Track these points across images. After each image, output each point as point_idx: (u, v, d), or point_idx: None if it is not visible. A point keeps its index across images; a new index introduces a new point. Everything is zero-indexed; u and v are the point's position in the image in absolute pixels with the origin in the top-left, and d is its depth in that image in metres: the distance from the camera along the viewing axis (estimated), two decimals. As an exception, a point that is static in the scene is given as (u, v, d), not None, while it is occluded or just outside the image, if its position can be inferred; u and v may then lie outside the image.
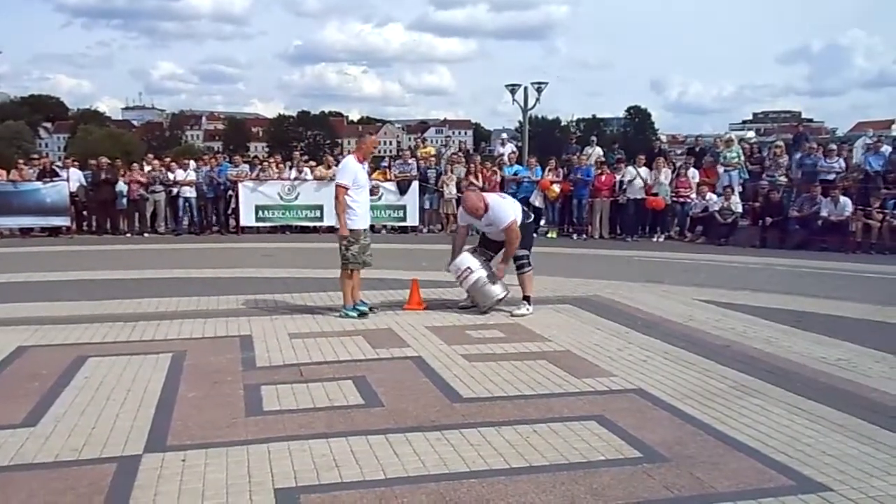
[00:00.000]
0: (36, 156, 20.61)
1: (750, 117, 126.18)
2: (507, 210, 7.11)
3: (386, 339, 6.12)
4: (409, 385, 4.86)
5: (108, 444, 3.79)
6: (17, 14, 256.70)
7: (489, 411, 4.34)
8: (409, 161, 17.01)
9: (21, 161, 16.96)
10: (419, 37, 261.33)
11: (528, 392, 4.72)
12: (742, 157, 15.45)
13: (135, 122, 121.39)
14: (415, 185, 15.98)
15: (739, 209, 14.40)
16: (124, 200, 15.76)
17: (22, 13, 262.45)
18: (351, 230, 6.84)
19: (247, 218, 15.71)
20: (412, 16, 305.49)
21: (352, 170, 6.94)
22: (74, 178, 15.73)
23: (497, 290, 7.13)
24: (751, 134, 70.60)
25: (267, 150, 77.97)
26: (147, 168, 16.30)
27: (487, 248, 7.45)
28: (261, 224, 15.80)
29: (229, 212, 16.22)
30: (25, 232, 15.41)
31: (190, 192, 15.79)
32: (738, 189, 14.71)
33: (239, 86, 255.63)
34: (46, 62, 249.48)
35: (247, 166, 16.84)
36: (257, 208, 15.71)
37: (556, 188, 15.36)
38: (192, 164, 16.78)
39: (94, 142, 68.23)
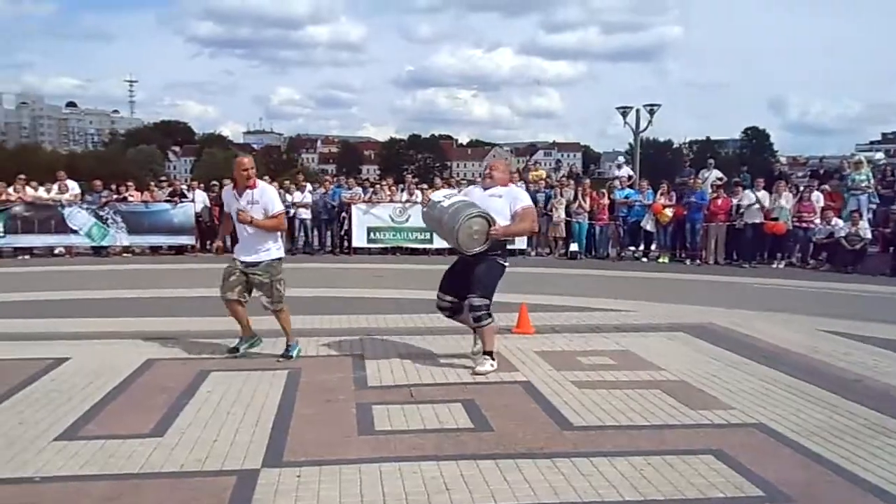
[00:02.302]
0: (165, 178, 21.87)
1: (878, 137, 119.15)
2: (528, 198, 6.22)
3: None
4: (518, 410, 4.83)
5: (228, 458, 3.94)
6: (153, 46, 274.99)
7: (600, 440, 4.25)
8: (518, 184, 17.00)
9: (153, 183, 18.04)
10: (528, 60, 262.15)
11: (640, 422, 4.59)
12: (872, 180, 14.63)
13: (255, 146, 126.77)
14: (524, 207, 15.93)
15: (868, 235, 13.61)
16: (244, 221, 16.47)
17: (157, 45, 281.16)
18: None
19: (359, 239, 16.09)
20: (521, 40, 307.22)
21: (224, 199, 6.55)
22: (200, 199, 16.57)
23: (472, 211, 5.63)
24: (880, 155, 66.53)
25: (378, 172, 79.72)
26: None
27: (454, 282, 6.02)
28: (372, 245, 16.14)
29: (342, 233, 16.66)
30: (154, 250, 16.32)
31: (305, 214, 16.33)
32: (867, 214, 13.92)
33: (353, 110, 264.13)
34: (177, 89, 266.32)
35: (359, 189, 17.27)
36: (369, 230, 16.08)
37: (669, 212, 14.98)
38: (309, 186, 17.36)
39: (218, 165, 71.61)
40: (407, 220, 15.94)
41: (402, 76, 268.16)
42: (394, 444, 4.13)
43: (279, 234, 6.45)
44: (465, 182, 18.96)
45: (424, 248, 15.79)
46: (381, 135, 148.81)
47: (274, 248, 6.25)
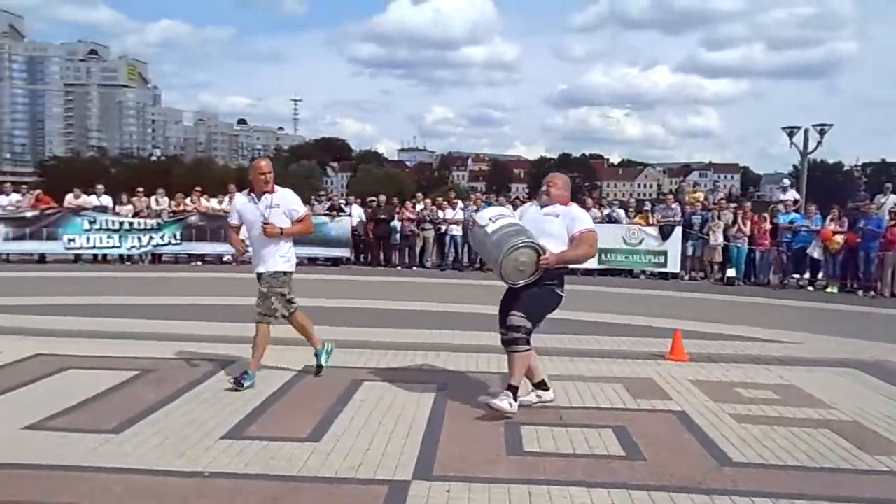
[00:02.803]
0: (323, 192, 22.95)
1: None
2: (589, 220, 5.41)
3: (647, 389, 5.90)
4: (672, 441, 4.64)
5: (380, 467, 4.03)
6: (318, 66, 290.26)
7: (763, 480, 4.00)
8: (673, 206, 16.49)
9: (313, 197, 18.97)
10: (686, 79, 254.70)
11: (808, 463, 4.29)
12: None
13: (408, 163, 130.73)
14: (678, 230, 15.43)
15: None
16: (397, 236, 16.99)
17: (322, 65, 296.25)
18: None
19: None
20: (680, 58, 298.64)
21: (234, 206, 6.19)
22: (356, 213, 17.24)
23: (519, 241, 5.01)
24: None
25: (527, 191, 79.84)
26: (419, 206, 17.44)
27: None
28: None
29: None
30: (312, 261, 17.08)
31: (456, 231, 16.58)
32: None
33: (504, 129, 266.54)
34: (338, 108, 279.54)
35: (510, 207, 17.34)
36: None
37: (840, 239, 14.00)
38: (460, 203, 17.63)
39: (373, 181, 74.33)
40: (640, 242, 15.67)
41: (555, 95, 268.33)
42: (543, 467, 4.08)
43: (291, 245, 5.97)
44: (616, 203, 18.53)
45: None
46: (532, 153, 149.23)
47: (281, 261, 5.84)
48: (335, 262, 16.93)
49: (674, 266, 15.42)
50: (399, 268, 16.79)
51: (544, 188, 5.35)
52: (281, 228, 5.75)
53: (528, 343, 5.09)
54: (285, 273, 5.86)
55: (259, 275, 5.87)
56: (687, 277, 15.53)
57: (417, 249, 17.06)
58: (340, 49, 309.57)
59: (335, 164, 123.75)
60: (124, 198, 17.30)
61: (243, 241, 6.06)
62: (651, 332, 8.30)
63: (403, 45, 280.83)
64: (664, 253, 15.44)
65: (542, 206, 5.33)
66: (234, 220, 6.06)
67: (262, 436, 4.51)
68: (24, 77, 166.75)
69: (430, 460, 4.15)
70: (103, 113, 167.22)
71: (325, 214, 17.14)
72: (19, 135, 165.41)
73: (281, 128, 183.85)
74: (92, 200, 16.87)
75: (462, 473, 3.94)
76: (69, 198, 16.92)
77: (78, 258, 16.27)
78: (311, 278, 14.25)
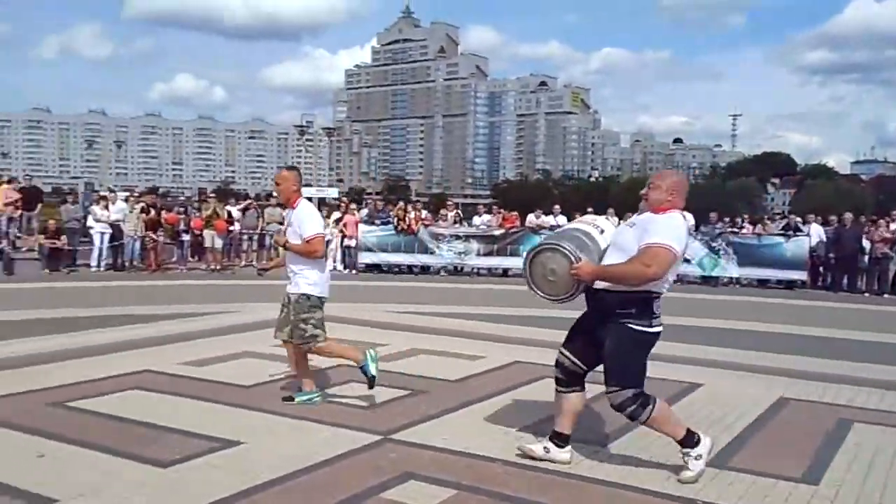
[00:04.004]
0: (779, 213, 21.55)
1: None
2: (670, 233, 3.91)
3: None
4: None
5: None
6: (757, 79, 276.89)
7: None
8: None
9: (766, 217, 17.94)
10: None
11: None
12: None
13: (863, 176, 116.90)
14: None
15: None
16: (865, 258, 15.16)
17: (762, 77, 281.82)
18: None
19: None
20: None
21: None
22: (815, 233, 15.80)
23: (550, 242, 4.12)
24: None
25: None
26: (894, 226, 15.34)
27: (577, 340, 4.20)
28: None
29: None
30: (762, 283, 16.09)
31: None
32: None
33: None
34: (779, 121, 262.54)
35: None
36: None
37: None
38: None
39: (821, 196, 67.98)
40: None
41: None
42: None
43: (315, 266, 5.26)
44: None
45: None
46: None
47: (303, 283, 5.21)
48: (789, 284, 15.70)
49: None
50: (866, 294, 14.91)
51: (644, 192, 4.10)
52: (285, 240, 5.31)
53: (644, 405, 3.93)
54: (307, 296, 5.22)
55: (287, 292, 5.37)
56: None
57: (891, 275, 14.98)
58: (784, 59, 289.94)
59: (776, 181, 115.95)
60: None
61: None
62: None
63: (862, 46, 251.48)
64: None
65: (640, 213, 4.14)
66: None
67: (748, 468, 4.25)
68: (486, 110, 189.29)
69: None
70: (549, 139, 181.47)
71: (780, 234, 16.05)
72: (480, 162, 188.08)
73: (718, 145, 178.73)
74: (549, 220, 18.16)
75: None
76: (531, 217, 18.46)
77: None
78: (759, 301, 13.41)
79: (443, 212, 18.90)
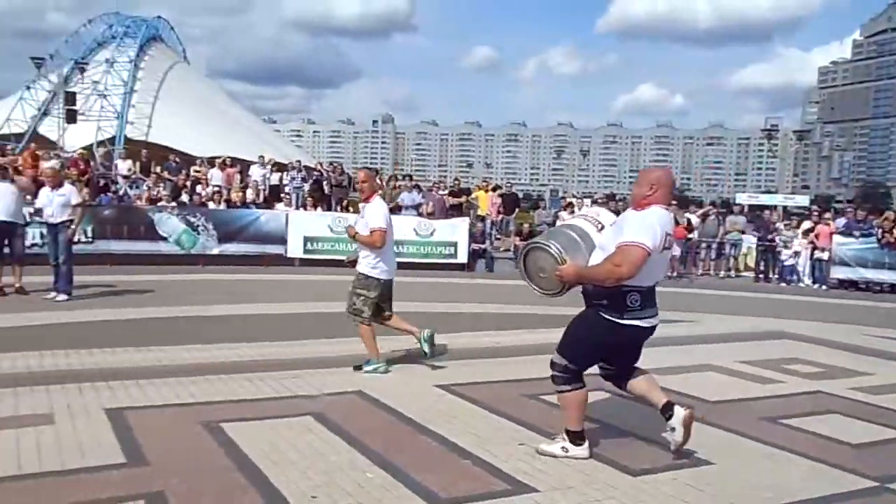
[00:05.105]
0: None
1: None
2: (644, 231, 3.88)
3: None
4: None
5: None
6: None
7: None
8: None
9: None
10: None
11: None
12: None
13: None
14: None
15: None
16: None
17: None
18: None
19: None
20: None
21: None
22: None
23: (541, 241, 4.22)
24: None
25: None
26: None
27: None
28: None
29: None
30: None
31: None
32: None
33: None
34: None
35: None
36: None
37: None
38: None
39: None
40: None
41: None
42: None
43: (378, 255, 5.97)
44: None
45: None
46: None
47: (366, 264, 6.00)
48: None
49: None
50: None
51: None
52: (355, 231, 6.00)
53: (568, 383, 4.07)
54: (367, 277, 5.95)
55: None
56: None
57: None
58: None
59: None
60: None
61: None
62: None
63: None
64: None
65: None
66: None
67: None
68: None
69: None
70: None
71: None
72: None
73: None
74: None
75: None
76: None
77: None
78: None
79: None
